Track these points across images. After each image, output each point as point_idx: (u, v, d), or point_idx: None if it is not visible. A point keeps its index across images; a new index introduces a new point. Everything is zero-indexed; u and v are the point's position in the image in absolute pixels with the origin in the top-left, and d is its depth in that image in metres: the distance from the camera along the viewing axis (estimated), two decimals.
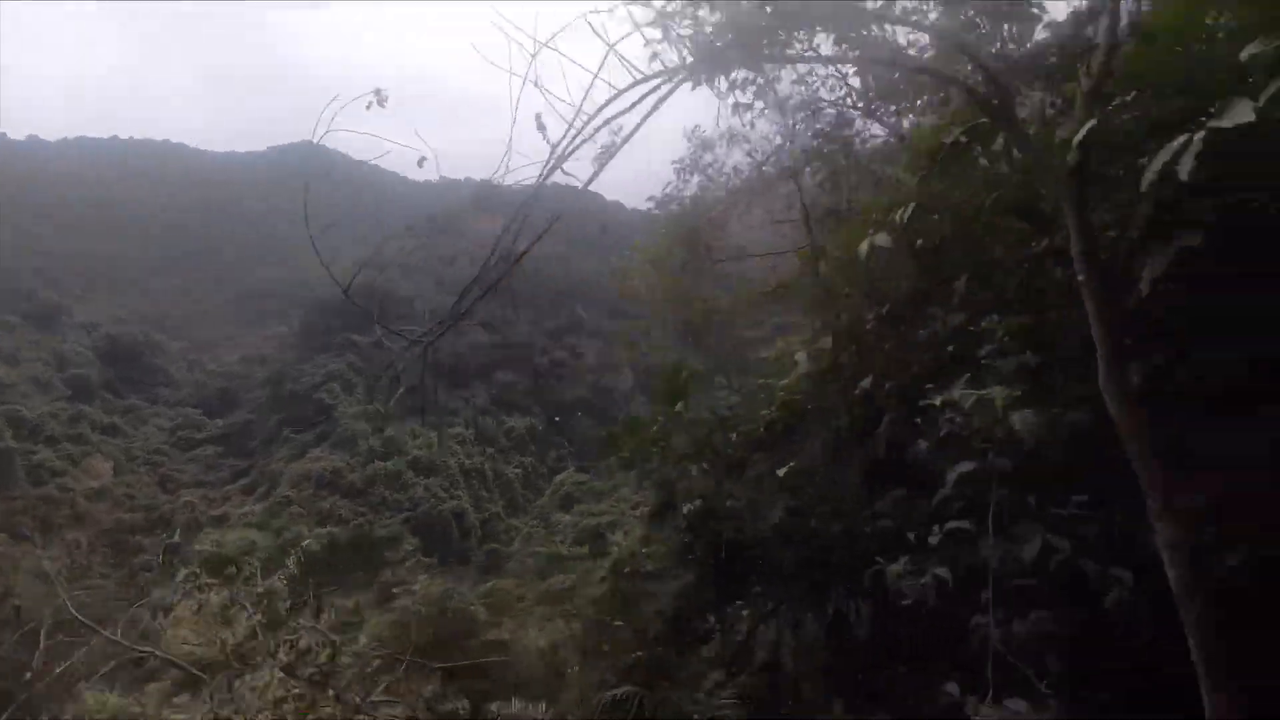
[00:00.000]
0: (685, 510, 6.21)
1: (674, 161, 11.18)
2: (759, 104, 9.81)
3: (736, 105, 10.45)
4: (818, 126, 10.95)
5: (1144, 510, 3.93)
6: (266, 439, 66.22)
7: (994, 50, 6.36)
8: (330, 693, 6.54)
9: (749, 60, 6.19)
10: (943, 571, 3.69)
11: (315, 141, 3.49)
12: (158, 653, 7.54)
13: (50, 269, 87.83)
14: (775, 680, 6.48)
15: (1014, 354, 4.47)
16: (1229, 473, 4.32)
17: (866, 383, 5.77)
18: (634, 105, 4.21)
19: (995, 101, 4.73)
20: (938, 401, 4.01)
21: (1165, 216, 4.09)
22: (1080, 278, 4.35)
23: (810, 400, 6.05)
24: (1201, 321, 4.21)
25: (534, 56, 4.67)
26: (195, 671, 7.18)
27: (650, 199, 11.55)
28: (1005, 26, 7.16)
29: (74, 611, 7.19)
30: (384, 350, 4.71)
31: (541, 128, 4.64)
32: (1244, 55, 3.56)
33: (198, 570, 12.36)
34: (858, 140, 9.50)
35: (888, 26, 6.35)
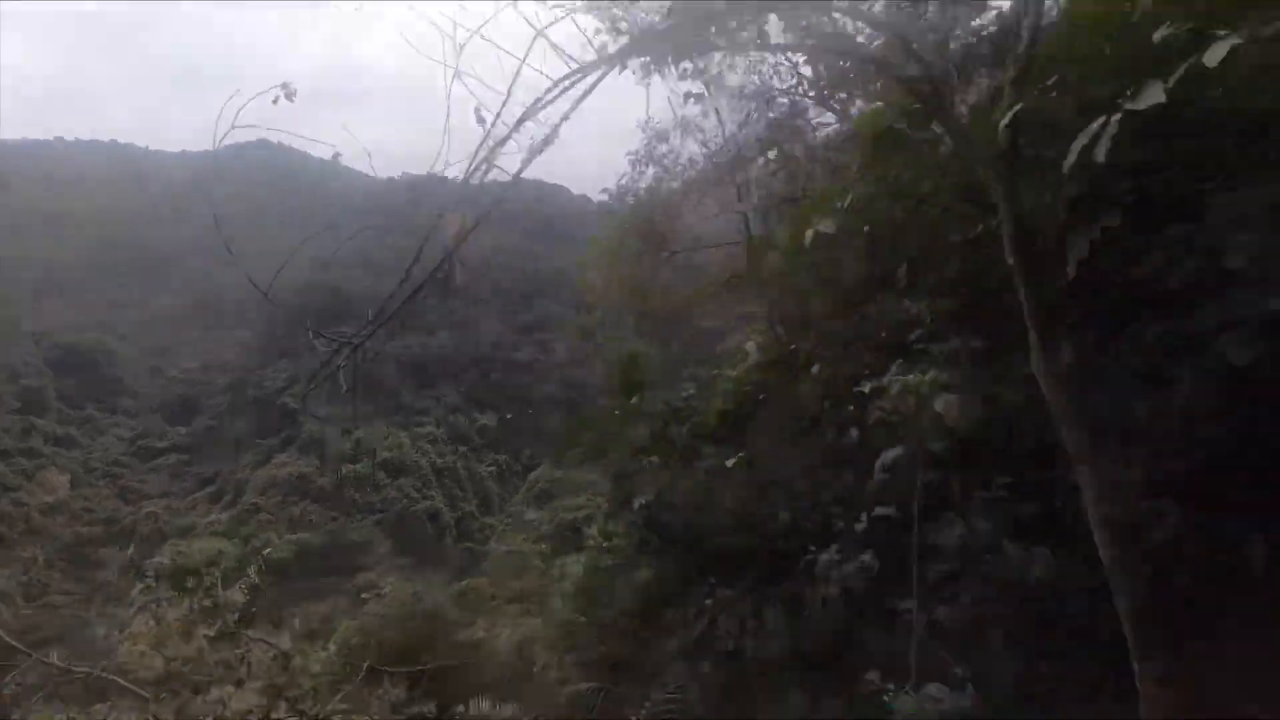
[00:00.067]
0: (637, 505, 6.20)
1: (628, 153, 11.13)
2: (711, 94, 9.80)
3: (689, 95, 10.44)
4: (770, 115, 10.98)
5: (1078, 489, 4.02)
6: (231, 446, 64.64)
7: (935, 38, 6.41)
8: (283, 705, 6.39)
9: (695, 46, 6.14)
10: (868, 558, 3.73)
11: (256, 140, 3.35)
12: (96, 671, 7.27)
13: None
14: (739, 669, 6.51)
15: (945, 339, 4.53)
16: (1158, 449, 4.45)
17: (815, 371, 5.81)
18: (564, 91, 4.14)
19: (927, 87, 4.76)
20: (867, 389, 4.04)
21: (1089, 198, 4.16)
22: (1010, 260, 4.41)
23: (760, 390, 6.08)
24: (1128, 300, 4.32)
25: (462, 47, 4.56)
26: (137, 690, 6.95)
27: (604, 191, 11.49)
28: (953, 16, 7.23)
29: (4, 636, 6.90)
30: (322, 353, 4.59)
31: (481, 120, 4.54)
32: (1156, 38, 3.63)
33: (153, 583, 12.00)
34: (808, 129, 9.55)
35: (834, 15, 6.38)
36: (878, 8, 6.38)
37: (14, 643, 6.69)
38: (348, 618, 16.57)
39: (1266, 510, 4.17)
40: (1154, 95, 3.40)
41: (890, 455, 3.89)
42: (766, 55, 10.47)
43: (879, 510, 3.85)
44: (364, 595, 17.09)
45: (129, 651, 11.15)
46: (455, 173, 4.53)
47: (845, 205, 5.19)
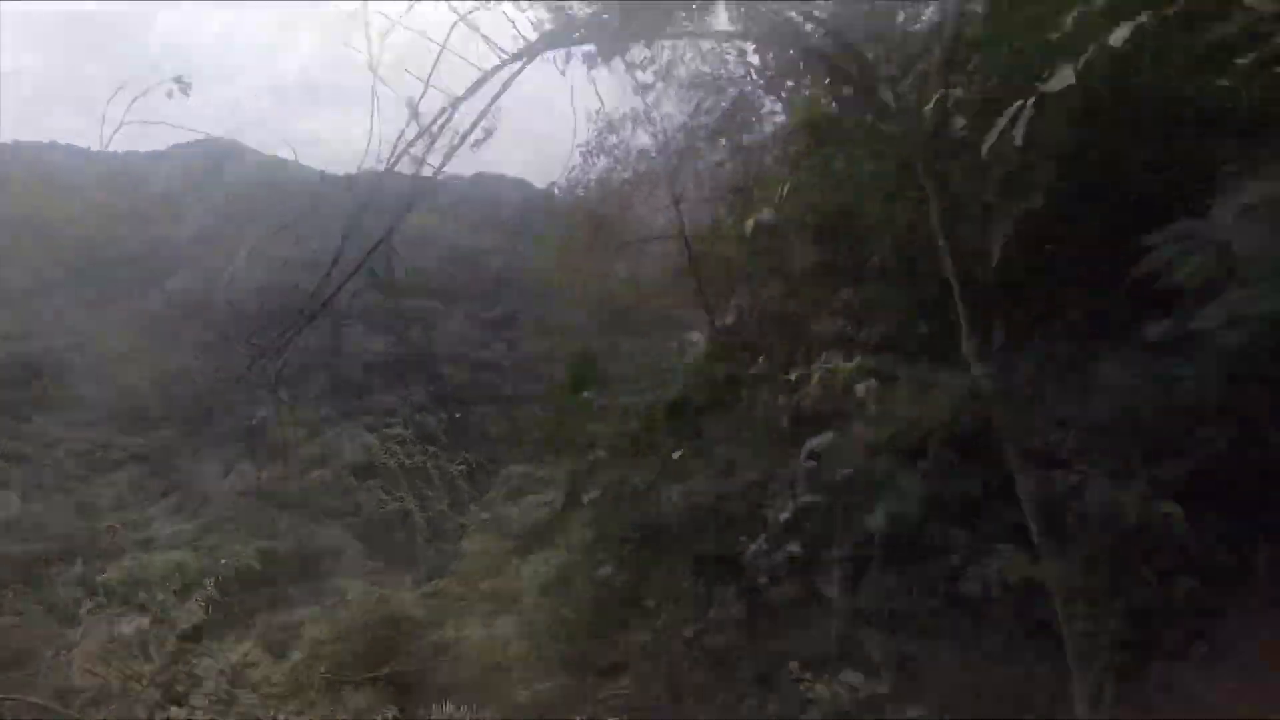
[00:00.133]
0: (586, 500, 6.18)
1: (578, 145, 11.04)
2: (661, 84, 9.76)
3: (639, 85, 10.38)
4: (723, 105, 10.96)
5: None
6: (191, 455, 62.90)
7: (868, 27, 6.44)
8: (233, 718, 6.23)
9: (630, 36, 6.07)
10: (794, 547, 3.76)
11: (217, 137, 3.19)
12: (26, 698, 7.01)
13: None
14: (694, 661, 6.54)
15: (878, 325, 4.58)
16: (1084, 426, 4.57)
17: (761, 360, 5.84)
18: (503, 82, 4.06)
19: (856, 73, 4.79)
20: (793, 376, 4.07)
21: (1011, 181, 4.24)
22: (940, 243, 4.47)
23: (709, 381, 6.09)
24: (1053, 280, 4.41)
25: (384, 36, 4.45)
26: (68, 714, 6.71)
27: (553, 183, 11.42)
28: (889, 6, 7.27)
29: None
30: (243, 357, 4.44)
31: (415, 115, 4.44)
32: (1067, 21, 3.69)
33: (104, 600, 11.61)
34: (758, 118, 9.57)
35: (775, 4, 6.36)
36: None
37: None
38: (313, 625, 16.29)
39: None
40: (1065, 78, 3.45)
41: (816, 442, 3.92)
42: (717, 44, 10.48)
43: (805, 499, 3.88)
44: (331, 603, 16.80)
45: (77, 671, 10.79)
46: (400, 168, 4.44)
47: (784, 194, 5.22)
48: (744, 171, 8.65)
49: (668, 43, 8.94)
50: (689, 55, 10.38)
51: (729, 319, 6.33)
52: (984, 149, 3.82)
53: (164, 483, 69.38)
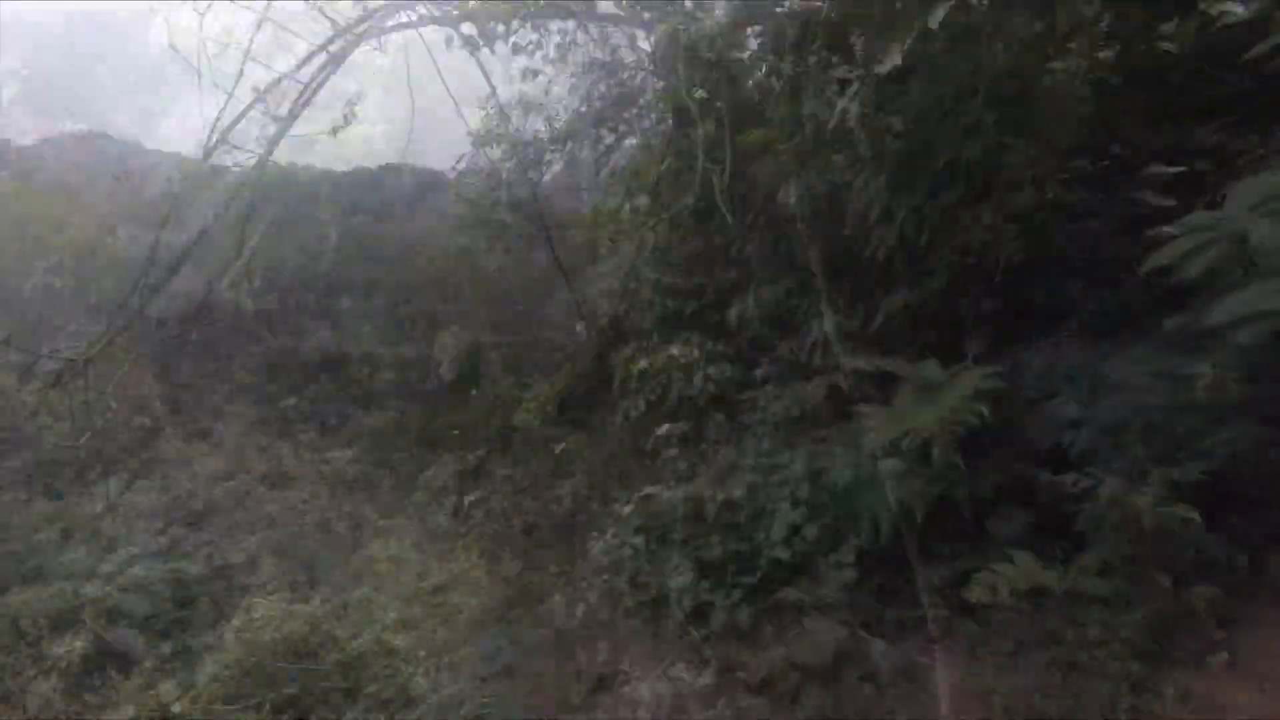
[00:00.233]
0: (467, 501, 6.07)
1: (468, 133, 10.75)
2: (551, 70, 9.57)
3: (527, 71, 10.15)
4: (618, 91, 10.86)
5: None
6: (78, 476, 57.63)
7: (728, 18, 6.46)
8: None
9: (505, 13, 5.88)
10: (638, 541, 3.79)
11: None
12: None
13: None
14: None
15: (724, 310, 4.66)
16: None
17: (628, 349, 5.86)
18: (312, 57, 3.81)
19: (712, 58, 4.81)
20: (640, 365, 4.08)
21: (860, 161, 4.37)
22: (800, 225, 4.56)
23: (592, 371, 6.07)
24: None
25: (203, 15, 4.10)
26: None
27: (450, 170, 11.08)
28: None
29: None
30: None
31: (261, 99, 4.11)
32: (896, 4, 3.79)
33: None
34: (642, 102, 9.52)
35: None
36: None
37: None
38: (215, 651, 15.38)
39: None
40: (893, 58, 3.55)
41: (665, 430, 3.95)
42: (609, 30, 10.38)
43: (648, 490, 3.91)
44: (234, 623, 15.81)
45: None
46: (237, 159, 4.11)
47: (655, 180, 5.22)
48: (626, 157, 8.62)
49: (557, 26, 8.76)
50: (581, 39, 10.23)
51: (609, 309, 6.32)
52: (829, 127, 3.90)
53: (47, 508, 63.34)
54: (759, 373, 6.69)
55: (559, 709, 5.93)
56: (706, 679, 5.69)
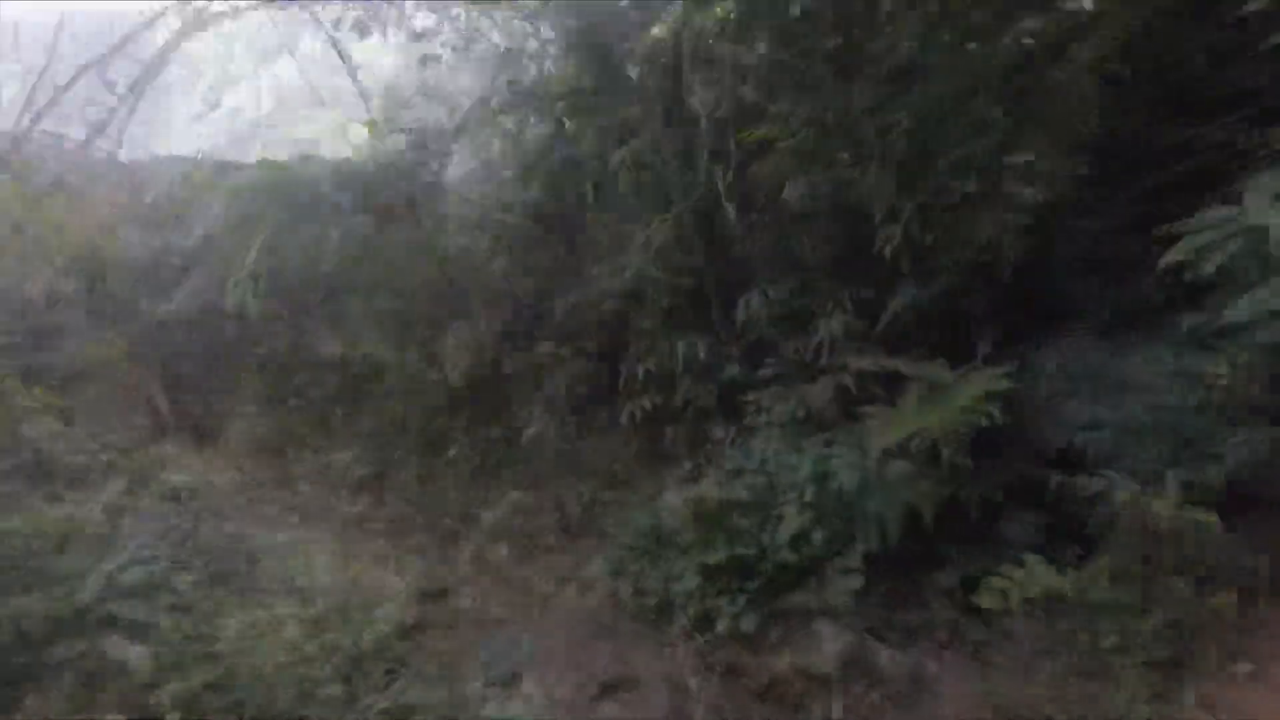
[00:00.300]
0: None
1: (364, 120, 10.97)
2: (450, 57, 9.54)
3: (426, 57, 10.10)
4: (520, 79, 10.63)
5: None
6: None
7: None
8: None
9: None
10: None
11: None
12: None
13: None
14: None
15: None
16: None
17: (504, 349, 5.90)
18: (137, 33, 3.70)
19: (600, 42, 4.77)
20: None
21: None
22: (684, 231, 4.51)
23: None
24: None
25: None
26: None
27: (347, 158, 11.16)
28: None
29: None
30: None
31: (109, 83, 3.99)
32: None
33: None
34: (541, 94, 9.34)
35: None
36: None
37: None
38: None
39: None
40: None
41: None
42: (512, 16, 10.27)
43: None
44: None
45: None
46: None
47: (541, 174, 5.16)
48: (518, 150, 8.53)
49: (457, 12, 8.66)
50: (485, 26, 10.15)
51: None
52: (704, 117, 3.90)
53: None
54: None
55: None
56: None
